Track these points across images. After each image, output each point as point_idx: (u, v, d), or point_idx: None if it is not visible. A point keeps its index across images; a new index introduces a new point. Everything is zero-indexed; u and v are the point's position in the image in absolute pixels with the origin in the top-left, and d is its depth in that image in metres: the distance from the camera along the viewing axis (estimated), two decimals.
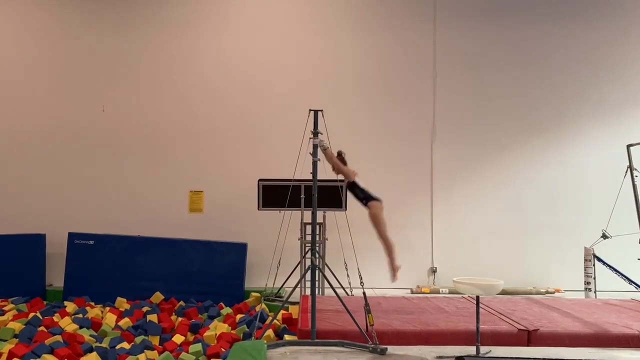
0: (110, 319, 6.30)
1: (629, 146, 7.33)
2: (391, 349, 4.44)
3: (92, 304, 7.16)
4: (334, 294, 5.16)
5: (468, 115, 8.75)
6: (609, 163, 8.23)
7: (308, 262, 5.37)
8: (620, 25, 8.77)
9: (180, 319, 6.50)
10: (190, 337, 5.92)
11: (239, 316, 6.38)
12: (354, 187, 5.56)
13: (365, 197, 5.51)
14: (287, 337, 5.29)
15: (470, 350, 4.32)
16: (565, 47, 8.76)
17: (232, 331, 5.80)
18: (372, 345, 4.43)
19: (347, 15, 8.83)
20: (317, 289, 5.06)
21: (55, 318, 6.27)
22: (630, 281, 7.33)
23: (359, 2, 8.90)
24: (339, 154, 5.62)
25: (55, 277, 7.91)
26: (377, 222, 5.53)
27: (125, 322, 6.21)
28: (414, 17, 8.80)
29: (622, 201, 7.26)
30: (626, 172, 7.28)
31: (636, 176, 7.22)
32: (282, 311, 5.76)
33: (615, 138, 8.23)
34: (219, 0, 8.80)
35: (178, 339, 5.75)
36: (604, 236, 7.31)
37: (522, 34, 8.77)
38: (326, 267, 7.13)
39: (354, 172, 5.59)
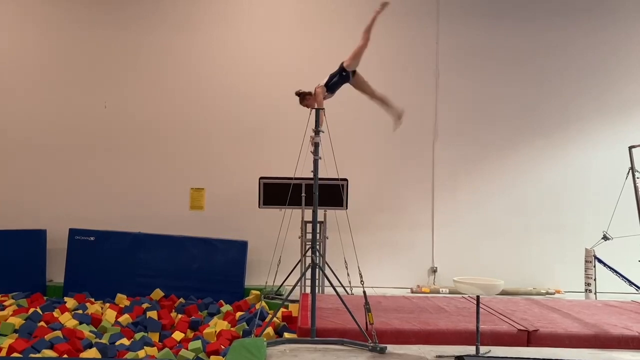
0: (110, 315, 6.31)
1: (630, 148, 7.33)
2: (391, 348, 4.44)
3: (92, 300, 7.16)
4: (334, 293, 5.17)
5: (470, 115, 8.74)
6: (610, 164, 8.22)
7: (308, 261, 5.38)
8: (622, 26, 8.75)
9: (180, 315, 6.50)
10: (190, 334, 5.92)
11: (238, 314, 6.38)
12: (330, 88, 5.58)
13: (341, 78, 5.56)
14: (286, 335, 5.29)
15: (470, 350, 4.32)
16: (568, 47, 8.75)
17: (231, 328, 5.80)
18: (371, 344, 4.43)
19: (349, 14, 8.79)
20: (317, 288, 5.06)
21: (55, 314, 6.27)
22: (631, 283, 7.33)
23: (361, 1, 8.88)
24: (298, 94, 5.57)
25: (56, 273, 7.92)
26: (365, 87, 5.67)
27: (125, 318, 6.21)
28: (416, 17, 8.79)
29: (624, 203, 7.26)
30: (628, 173, 7.27)
31: (638, 178, 7.22)
32: (282, 309, 5.76)
33: (617, 139, 8.21)
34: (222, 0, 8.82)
35: (178, 335, 5.75)
36: (605, 237, 7.31)
37: (524, 35, 8.75)
38: (326, 266, 7.13)
39: (317, 90, 5.48)
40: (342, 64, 5.66)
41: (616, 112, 8.70)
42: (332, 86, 5.59)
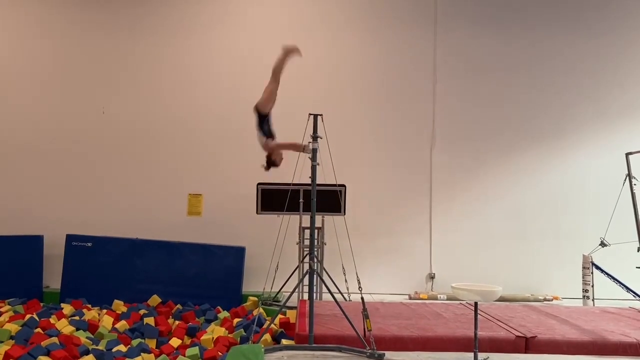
0: (107, 321, 6.29)
1: (627, 154, 7.35)
2: (389, 355, 4.43)
3: (89, 306, 7.13)
4: (331, 299, 5.16)
5: (467, 121, 8.76)
6: (608, 171, 8.23)
7: (306, 267, 5.37)
8: (620, 33, 8.79)
9: (177, 322, 6.48)
10: (187, 341, 5.90)
11: (236, 320, 6.36)
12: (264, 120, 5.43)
13: (266, 132, 5.46)
14: (284, 341, 5.27)
15: (468, 356, 4.31)
16: (566, 53, 8.78)
17: (229, 335, 5.78)
18: (369, 351, 4.42)
19: (346, 20, 8.85)
20: (315, 294, 5.05)
21: (52, 320, 6.24)
22: (628, 289, 7.32)
23: (359, 7, 8.92)
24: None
25: (53, 279, 7.89)
26: (267, 92, 5.45)
27: (122, 324, 6.19)
28: (414, 23, 8.83)
29: (621, 209, 7.27)
30: (625, 180, 7.29)
31: (635, 184, 7.23)
32: (279, 315, 5.74)
33: (614, 146, 8.24)
34: (219, 2, 8.82)
35: (175, 342, 5.73)
36: (603, 244, 7.31)
37: (522, 41, 8.79)
38: (324, 272, 7.11)
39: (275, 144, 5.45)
40: (256, 109, 5.50)
41: (613, 119, 8.72)
42: (267, 132, 5.51)
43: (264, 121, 5.46)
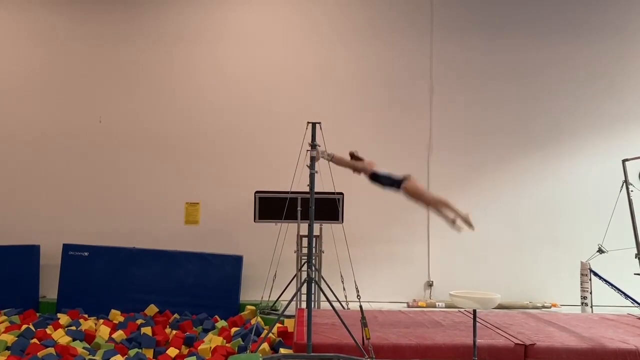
0: (103, 331, 6.24)
1: (624, 161, 7.37)
2: None
3: (86, 316, 7.08)
4: (330, 307, 5.13)
5: (465, 129, 8.79)
6: (605, 178, 8.26)
7: (304, 275, 5.35)
8: (616, 40, 8.85)
9: (174, 331, 6.44)
10: (185, 350, 5.85)
11: (234, 329, 6.32)
12: (377, 178, 5.29)
13: (392, 182, 5.27)
14: (282, 350, 5.24)
15: None
16: (562, 61, 8.84)
17: (227, 344, 5.74)
18: (368, 359, 4.40)
19: (345, 29, 8.89)
20: (313, 302, 5.03)
21: (48, 330, 6.20)
22: (627, 296, 7.33)
23: (357, 16, 8.97)
24: (352, 155, 5.39)
25: (49, 289, 7.84)
26: (420, 197, 5.30)
27: (119, 334, 6.14)
28: (410, 33, 8.87)
29: (618, 216, 7.29)
30: (622, 186, 7.31)
31: (632, 191, 7.25)
32: (277, 324, 5.71)
33: (611, 153, 8.27)
34: (216, 12, 8.86)
35: (172, 352, 5.69)
36: (600, 251, 7.32)
37: (518, 49, 8.84)
38: (322, 280, 7.09)
39: (370, 162, 5.32)
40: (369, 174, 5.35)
41: (609, 126, 8.76)
42: (377, 179, 5.36)
43: (380, 178, 5.36)
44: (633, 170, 7.40)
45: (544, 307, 8.07)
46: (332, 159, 5.11)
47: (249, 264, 7.64)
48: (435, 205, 5.28)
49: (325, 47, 8.83)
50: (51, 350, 5.42)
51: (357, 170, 5.32)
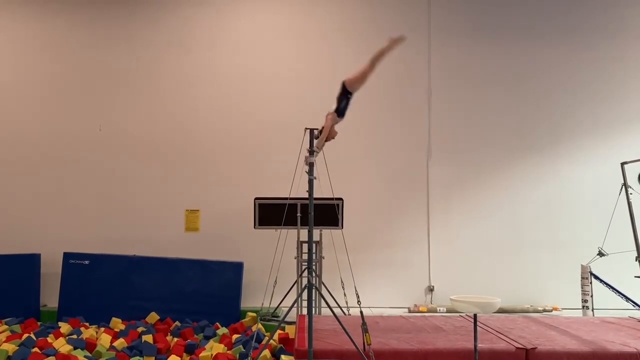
0: (105, 339, 6.23)
1: (623, 164, 7.38)
2: None
3: (87, 324, 7.08)
4: (330, 314, 5.13)
5: (463, 132, 8.80)
6: (604, 181, 8.27)
7: (305, 281, 5.35)
8: (614, 43, 8.87)
9: (175, 339, 6.43)
10: (186, 358, 5.85)
11: (235, 336, 6.32)
12: (340, 111, 5.23)
13: (341, 96, 5.26)
14: (283, 357, 5.24)
15: None
16: (560, 64, 8.86)
17: (228, 351, 5.74)
18: None
19: (341, 34, 8.92)
20: (313, 308, 5.03)
21: (49, 339, 6.19)
22: (628, 299, 7.32)
23: (353, 21, 9.00)
24: (316, 137, 5.23)
25: (50, 298, 7.84)
26: (362, 76, 5.31)
27: (120, 342, 6.14)
28: (408, 35, 8.81)
29: (618, 218, 7.29)
30: (621, 189, 7.32)
31: (631, 194, 7.26)
32: (278, 331, 5.71)
33: (610, 155, 8.27)
34: (214, 18, 8.89)
35: (174, 359, 5.69)
36: (600, 254, 7.32)
37: (516, 52, 8.87)
38: (323, 286, 7.09)
39: (326, 117, 5.21)
40: (343, 84, 5.35)
41: (608, 129, 8.78)
42: (342, 110, 5.30)
43: (344, 98, 5.25)
44: (632, 173, 7.41)
45: (545, 310, 8.06)
46: (318, 144, 4.98)
47: (249, 270, 7.64)
48: (374, 63, 5.34)
49: (323, 52, 8.85)
50: (52, 359, 5.42)
51: (330, 133, 5.14)
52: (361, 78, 5.29)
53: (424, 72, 8.83)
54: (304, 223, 6.84)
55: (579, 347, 4.86)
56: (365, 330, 4.56)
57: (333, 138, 5.11)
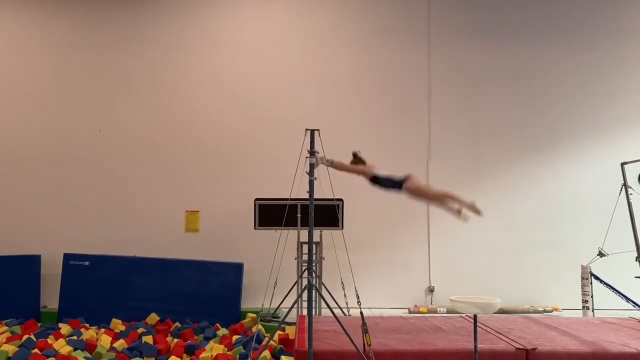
0: (105, 340, 6.23)
1: (623, 164, 7.38)
2: None
3: (87, 325, 7.08)
4: (331, 314, 5.13)
5: (463, 133, 8.80)
6: (604, 181, 8.27)
7: (305, 282, 5.35)
8: (614, 43, 8.86)
9: (176, 340, 6.43)
10: (186, 359, 5.85)
11: (235, 337, 6.32)
12: (378, 181, 5.19)
13: (394, 184, 5.14)
14: (283, 358, 5.24)
15: None
16: (560, 65, 8.86)
17: (228, 352, 5.74)
18: None
19: (342, 35, 8.92)
20: (313, 309, 5.03)
21: (50, 340, 6.19)
22: (628, 299, 7.32)
23: (354, 22, 9.00)
24: (355, 155, 5.31)
25: (50, 299, 7.84)
26: (422, 194, 5.15)
27: (121, 343, 6.14)
28: (408, 38, 8.90)
29: (618, 219, 7.29)
30: (621, 189, 7.32)
31: (631, 194, 7.26)
32: (278, 332, 5.71)
33: (610, 155, 8.28)
34: (214, 19, 8.89)
35: None
36: (601, 254, 7.32)
37: (516, 53, 8.87)
38: (323, 287, 7.09)
39: (370, 165, 5.24)
40: (401, 184, 5.14)
41: (608, 129, 8.77)
42: (380, 184, 5.23)
43: (392, 187, 5.20)
44: (632, 173, 7.41)
45: (545, 311, 8.06)
46: (332, 164, 5.10)
47: (249, 271, 7.64)
48: (439, 200, 5.10)
49: (323, 54, 8.86)
50: None
51: (357, 173, 5.25)
52: (361, 174, 5.25)
53: (424, 72, 8.83)
54: (305, 224, 6.84)
55: (579, 348, 4.86)
56: (365, 330, 4.56)
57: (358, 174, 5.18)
